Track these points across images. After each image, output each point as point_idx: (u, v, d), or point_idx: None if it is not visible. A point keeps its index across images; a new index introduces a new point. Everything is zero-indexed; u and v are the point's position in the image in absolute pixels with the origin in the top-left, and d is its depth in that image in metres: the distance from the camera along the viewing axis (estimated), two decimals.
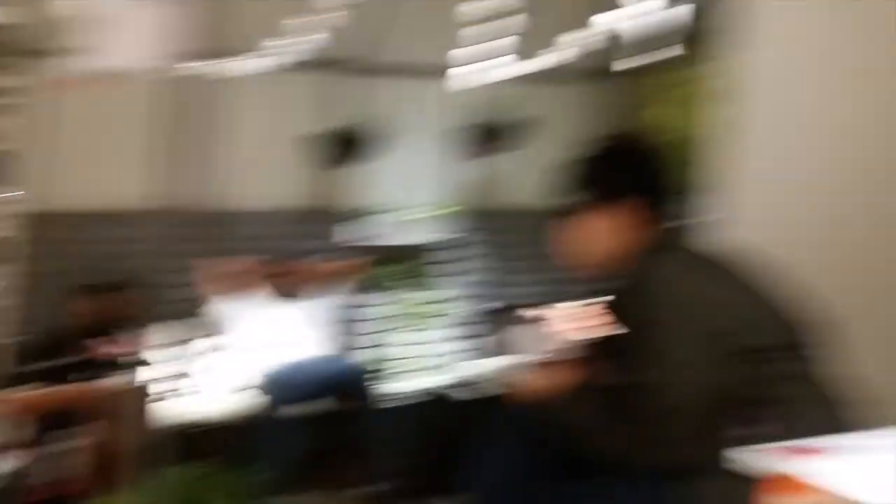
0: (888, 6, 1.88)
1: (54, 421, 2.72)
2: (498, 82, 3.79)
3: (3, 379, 3.13)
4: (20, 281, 3.46)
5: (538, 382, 1.46)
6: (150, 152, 3.62)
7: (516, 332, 1.64)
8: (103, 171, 3.68)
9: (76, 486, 2.57)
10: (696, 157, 3.48)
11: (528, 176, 4.30)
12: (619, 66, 3.21)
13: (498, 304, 4.13)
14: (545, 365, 1.49)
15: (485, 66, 3.58)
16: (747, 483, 0.70)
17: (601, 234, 1.48)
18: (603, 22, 3.27)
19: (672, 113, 3.83)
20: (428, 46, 4.02)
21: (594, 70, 4.41)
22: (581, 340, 1.57)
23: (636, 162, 1.52)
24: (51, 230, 3.55)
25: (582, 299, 3.76)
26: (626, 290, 1.41)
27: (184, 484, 1.81)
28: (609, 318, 1.53)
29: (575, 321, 3.60)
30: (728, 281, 1.35)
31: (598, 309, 1.58)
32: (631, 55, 3.18)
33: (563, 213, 1.54)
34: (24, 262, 3.47)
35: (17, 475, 1.81)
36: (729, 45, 2.03)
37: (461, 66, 3.47)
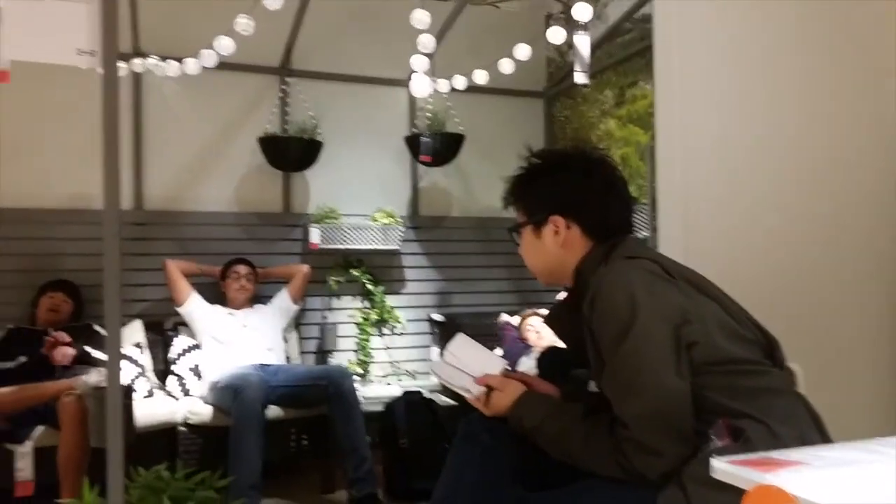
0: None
1: (21, 419, 2.65)
2: (449, 93, 3.85)
3: None
4: None
5: (494, 401, 1.43)
6: (100, 151, 3.50)
7: (460, 349, 1.56)
8: (41, 169, 3.57)
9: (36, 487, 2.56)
10: (641, 170, 3.60)
11: (475, 186, 4.38)
12: (576, 79, 3.27)
13: (440, 316, 4.17)
14: (493, 382, 1.46)
15: (434, 77, 3.63)
16: (728, 493, 0.70)
17: (535, 249, 1.47)
18: (556, 37, 3.35)
19: (620, 127, 3.93)
20: (381, 56, 4.07)
21: (547, 85, 4.51)
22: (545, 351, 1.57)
23: (560, 177, 1.45)
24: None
25: (529, 309, 3.85)
26: (578, 300, 1.35)
27: (150, 485, 1.76)
28: (562, 330, 1.54)
29: (531, 331, 3.67)
30: (689, 289, 1.28)
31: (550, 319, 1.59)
32: (583, 70, 3.25)
33: (511, 228, 1.55)
34: None
35: None
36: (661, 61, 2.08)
37: (413, 75, 3.49)
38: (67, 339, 2.99)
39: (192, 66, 3.30)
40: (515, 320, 3.91)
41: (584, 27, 3.25)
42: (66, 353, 2.94)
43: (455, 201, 4.40)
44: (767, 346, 1.31)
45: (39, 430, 2.68)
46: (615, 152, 3.79)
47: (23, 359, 2.94)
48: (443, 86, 3.81)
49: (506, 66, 3.61)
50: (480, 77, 3.72)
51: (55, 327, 3.17)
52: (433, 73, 3.58)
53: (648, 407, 1.16)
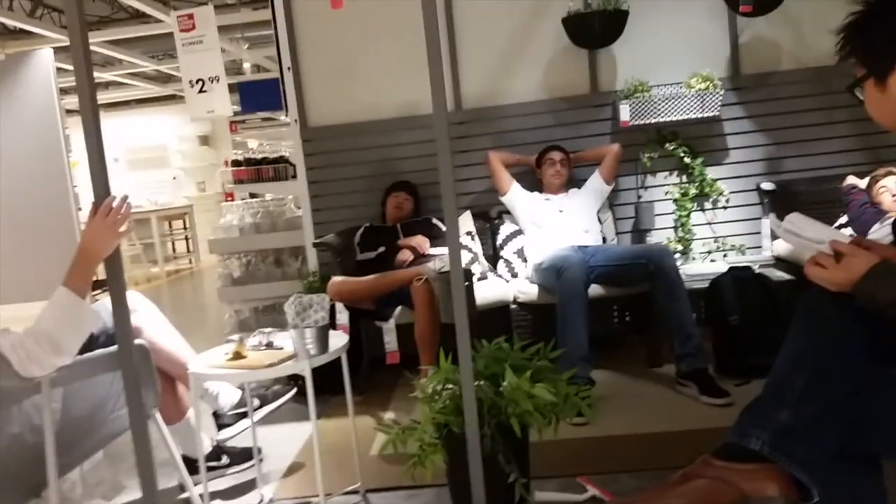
0: None
1: (384, 301, 3.15)
2: None
3: (323, 272, 3.74)
4: (311, 190, 4.01)
5: (845, 268, 1.27)
6: (407, 62, 3.86)
7: (797, 224, 1.40)
8: (372, 85, 4.01)
9: (401, 356, 3.03)
10: None
11: (807, 32, 3.77)
12: None
13: (771, 184, 3.78)
14: (843, 248, 1.29)
15: None
16: None
17: (883, 105, 1.29)
18: None
19: None
20: None
21: None
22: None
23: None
24: (328, 143, 4.02)
25: (883, 168, 3.29)
26: None
27: (493, 355, 2.00)
28: None
29: (885, 193, 3.17)
30: None
31: None
32: None
33: (850, 86, 1.35)
34: (310, 173, 4.01)
35: (352, 349, 2.16)
36: None
37: None
38: (421, 245, 3.42)
39: None
40: (864, 182, 3.39)
41: None
42: (420, 245, 3.41)
43: (784, 53, 3.86)
44: None
45: (399, 310, 3.14)
46: None
47: (382, 249, 3.46)
48: None
49: None
50: None
51: (401, 222, 3.65)
52: None
53: None
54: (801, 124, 3.85)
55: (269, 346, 2.13)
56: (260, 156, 4.36)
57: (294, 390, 2.60)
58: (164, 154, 12.13)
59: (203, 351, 2.23)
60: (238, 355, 2.05)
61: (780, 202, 3.74)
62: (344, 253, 3.55)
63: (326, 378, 2.20)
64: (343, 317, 3.05)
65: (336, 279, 3.17)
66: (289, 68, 4.00)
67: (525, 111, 3.97)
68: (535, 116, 3.96)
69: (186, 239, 10.84)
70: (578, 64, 3.93)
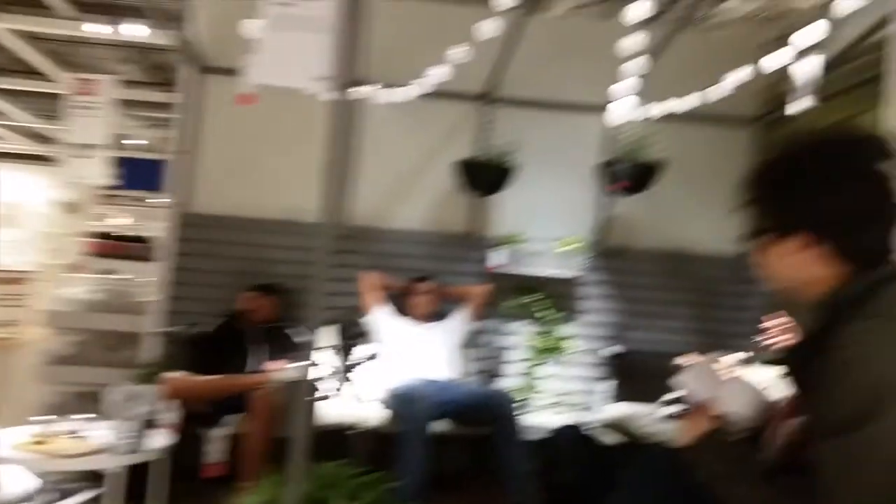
0: None
1: (219, 406, 2.94)
2: (648, 120, 3.72)
3: (161, 364, 3.48)
4: (173, 276, 3.82)
5: (691, 428, 1.35)
6: (302, 169, 3.89)
7: (689, 377, 1.49)
8: (260, 183, 3.99)
9: (230, 469, 2.81)
10: None
11: (668, 218, 4.19)
12: (795, 106, 3.03)
13: (615, 350, 4.02)
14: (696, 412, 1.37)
15: (634, 104, 3.52)
16: None
17: (774, 261, 1.25)
18: (774, 63, 3.13)
19: None
20: (580, 82, 4.06)
21: (757, 112, 4.23)
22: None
23: (824, 185, 1.17)
24: (204, 231, 3.90)
25: (715, 352, 3.59)
26: (808, 347, 1.16)
27: (326, 478, 1.89)
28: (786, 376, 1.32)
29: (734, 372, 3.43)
30: None
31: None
32: (803, 97, 3.00)
33: (750, 232, 1.30)
34: (177, 259, 3.85)
35: (170, 452, 1.97)
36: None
37: (612, 102, 3.42)
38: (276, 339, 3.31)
39: (406, 93, 3.44)
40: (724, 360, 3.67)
41: (807, 53, 3.03)
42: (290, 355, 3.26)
43: (643, 232, 4.25)
44: None
45: (232, 418, 2.95)
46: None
47: (229, 350, 3.29)
48: (644, 112, 3.69)
49: (716, 92, 3.42)
50: (686, 103, 3.54)
51: (256, 326, 3.51)
52: (636, 99, 3.49)
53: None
54: (649, 299, 4.17)
55: (78, 435, 1.92)
56: (129, 232, 4.16)
57: (98, 491, 2.33)
58: (18, 213, 11.23)
59: None
60: (42, 441, 1.83)
61: (620, 368, 3.97)
62: (190, 347, 3.35)
63: (138, 480, 2.00)
64: (171, 416, 2.82)
65: (174, 374, 2.96)
66: (185, 152, 3.93)
67: (406, 238, 4.07)
68: (415, 245, 4.07)
69: (20, 307, 9.84)
70: (463, 205, 4.12)
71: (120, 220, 5.55)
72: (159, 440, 1.96)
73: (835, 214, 1.17)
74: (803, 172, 1.21)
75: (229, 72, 3.72)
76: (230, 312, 3.70)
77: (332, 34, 1.54)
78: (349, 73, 1.58)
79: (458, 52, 3.03)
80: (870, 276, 1.15)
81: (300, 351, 3.24)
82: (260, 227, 3.96)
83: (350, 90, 3.58)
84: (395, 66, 3.80)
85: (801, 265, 1.21)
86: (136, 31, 4.19)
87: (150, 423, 1.88)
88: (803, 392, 1.24)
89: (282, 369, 2.99)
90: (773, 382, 1.37)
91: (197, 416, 2.96)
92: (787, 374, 1.28)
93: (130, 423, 1.82)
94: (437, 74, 3.22)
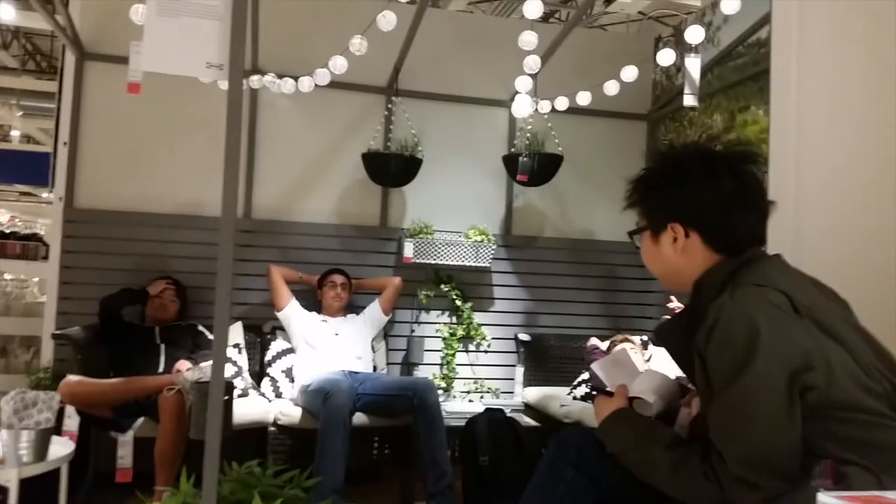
0: None
1: (126, 410, 2.82)
2: (550, 114, 3.84)
3: (59, 368, 3.29)
4: (63, 275, 3.61)
5: (603, 409, 1.43)
6: (200, 161, 3.78)
7: (598, 368, 1.58)
8: (160, 177, 3.82)
9: (134, 474, 2.71)
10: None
11: (571, 208, 4.35)
12: (685, 102, 3.22)
13: (527, 336, 4.15)
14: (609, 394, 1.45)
15: (537, 98, 3.63)
16: None
17: (653, 255, 1.42)
18: (666, 60, 3.31)
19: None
20: (484, 76, 4.13)
21: (652, 108, 4.44)
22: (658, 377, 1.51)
23: (681, 182, 1.36)
24: (93, 228, 3.71)
25: (620, 334, 3.76)
26: (694, 318, 1.27)
27: (241, 480, 1.84)
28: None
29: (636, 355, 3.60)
30: (815, 331, 1.17)
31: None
32: (692, 93, 3.19)
33: (631, 232, 1.50)
34: (65, 257, 3.63)
35: (80, 460, 1.87)
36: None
37: (517, 96, 3.51)
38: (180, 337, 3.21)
39: (306, 83, 3.39)
40: (605, 345, 3.84)
41: (696, 50, 3.21)
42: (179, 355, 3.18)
43: (549, 222, 4.38)
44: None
45: (140, 421, 2.84)
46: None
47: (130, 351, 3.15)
48: (544, 106, 3.81)
49: (611, 87, 3.58)
50: (583, 98, 3.69)
51: (161, 325, 3.37)
52: (536, 93, 3.59)
53: (754, 452, 1.11)
54: (557, 286, 4.32)
55: None
56: (9, 230, 3.88)
57: None
58: None
59: None
60: None
61: (532, 353, 4.10)
62: (87, 349, 3.17)
63: (39, 492, 1.89)
64: (72, 422, 2.67)
65: (72, 378, 2.80)
66: (65, 143, 3.69)
67: (314, 231, 4.01)
68: (324, 238, 4.01)
69: None
70: (372, 197, 4.11)
71: (2, 217, 5.16)
72: (62, 448, 1.85)
73: (698, 206, 1.35)
74: (671, 174, 1.40)
75: (114, 59, 3.60)
76: (138, 291, 3.45)
77: (224, 20, 1.48)
78: (242, 60, 1.53)
79: (359, 44, 3.01)
80: (736, 261, 1.31)
81: (209, 349, 3.16)
82: (155, 221, 3.79)
83: (247, 79, 3.56)
84: (295, 55, 3.74)
85: (675, 255, 1.37)
86: (9, 13, 3.87)
87: (50, 430, 1.78)
88: (685, 369, 1.37)
89: (192, 369, 2.89)
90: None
91: (106, 421, 2.84)
92: (669, 353, 1.44)
93: (28, 431, 1.71)
94: (337, 65, 3.19)
